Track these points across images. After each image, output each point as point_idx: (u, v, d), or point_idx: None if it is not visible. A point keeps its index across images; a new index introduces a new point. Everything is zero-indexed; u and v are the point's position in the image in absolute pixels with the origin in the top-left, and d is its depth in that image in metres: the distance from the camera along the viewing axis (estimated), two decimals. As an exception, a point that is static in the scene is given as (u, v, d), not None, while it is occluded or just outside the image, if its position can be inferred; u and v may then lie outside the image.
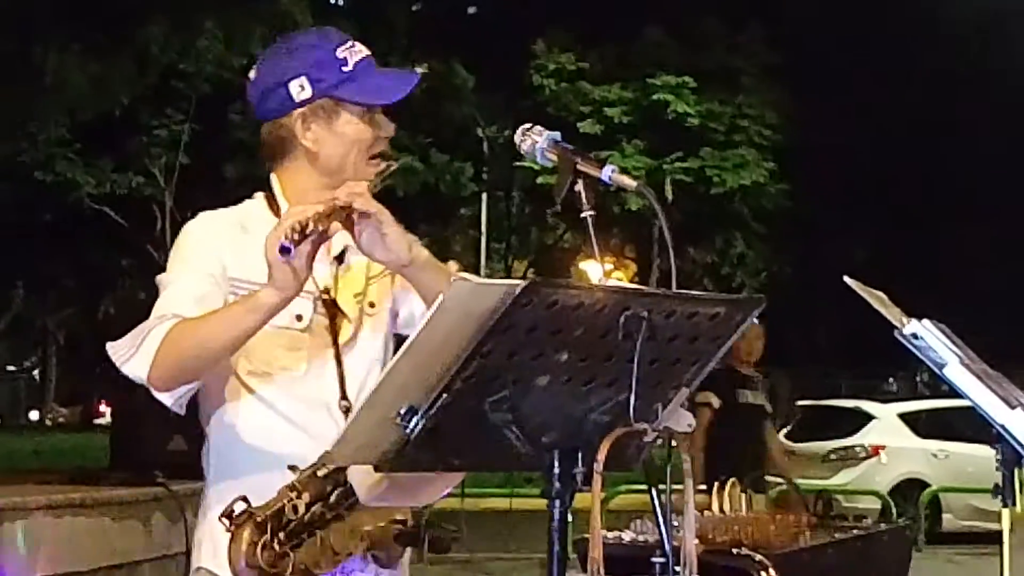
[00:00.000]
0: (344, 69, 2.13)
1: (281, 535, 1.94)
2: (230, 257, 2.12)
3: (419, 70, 2.30)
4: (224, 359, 2.03)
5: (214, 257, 2.11)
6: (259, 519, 1.92)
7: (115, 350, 2.05)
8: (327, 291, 2.13)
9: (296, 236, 1.88)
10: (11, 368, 44.77)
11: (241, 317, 1.96)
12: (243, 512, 1.93)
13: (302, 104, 2.13)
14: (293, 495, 1.94)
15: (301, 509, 1.94)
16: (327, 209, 1.95)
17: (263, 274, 1.96)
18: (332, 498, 1.97)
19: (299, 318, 2.10)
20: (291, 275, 1.91)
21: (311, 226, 1.90)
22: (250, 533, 1.92)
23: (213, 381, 2.11)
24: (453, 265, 2.21)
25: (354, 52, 2.15)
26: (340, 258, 2.17)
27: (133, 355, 2.03)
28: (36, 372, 43.96)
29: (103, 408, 34.62)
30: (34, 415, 41.91)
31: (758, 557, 2.00)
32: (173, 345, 2.00)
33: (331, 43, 2.16)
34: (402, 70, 2.19)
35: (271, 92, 2.15)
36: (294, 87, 2.13)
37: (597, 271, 2.29)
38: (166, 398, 2.05)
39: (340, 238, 2.12)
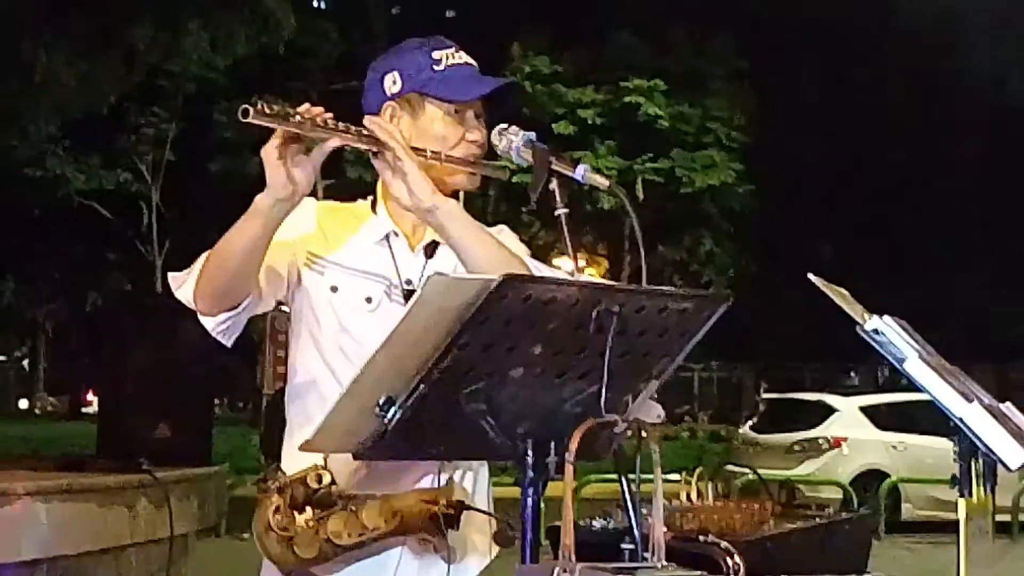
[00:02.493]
0: (435, 68, 2.14)
1: (310, 505, 1.98)
2: (316, 235, 2.16)
3: None
4: (245, 269, 2.03)
5: (297, 229, 2.13)
6: (282, 484, 1.97)
7: (173, 279, 2.14)
8: (408, 282, 2.14)
9: (273, 109, 1.88)
10: (1, 358, 44.50)
11: (245, 223, 1.99)
12: (273, 480, 1.99)
13: (392, 98, 2.15)
14: (320, 467, 1.98)
15: (326, 479, 1.98)
16: (342, 126, 1.96)
17: (342, 256, 2.09)
18: None
19: (368, 300, 2.13)
20: (282, 176, 1.94)
21: (299, 119, 1.89)
22: (273, 499, 1.97)
23: (300, 346, 2.17)
24: (507, 233, 2.21)
25: (452, 56, 2.16)
26: (430, 253, 2.18)
27: (185, 282, 2.11)
28: (26, 362, 43.72)
29: (91, 397, 34.34)
30: (23, 404, 41.64)
31: (724, 544, 2.05)
32: (205, 264, 2.06)
33: (431, 46, 2.17)
34: (496, 77, 2.17)
35: (370, 89, 2.18)
36: (388, 81, 2.16)
37: (570, 267, 2.32)
38: (208, 323, 2.11)
39: (432, 232, 2.15)
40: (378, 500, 2.01)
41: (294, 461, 2.02)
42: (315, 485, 1.98)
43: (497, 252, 2.06)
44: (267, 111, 1.87)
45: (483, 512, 2.12)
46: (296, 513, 1.98)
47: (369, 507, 2.00)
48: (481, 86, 2.15)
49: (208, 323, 2.11)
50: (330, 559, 2.01)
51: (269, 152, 1.93)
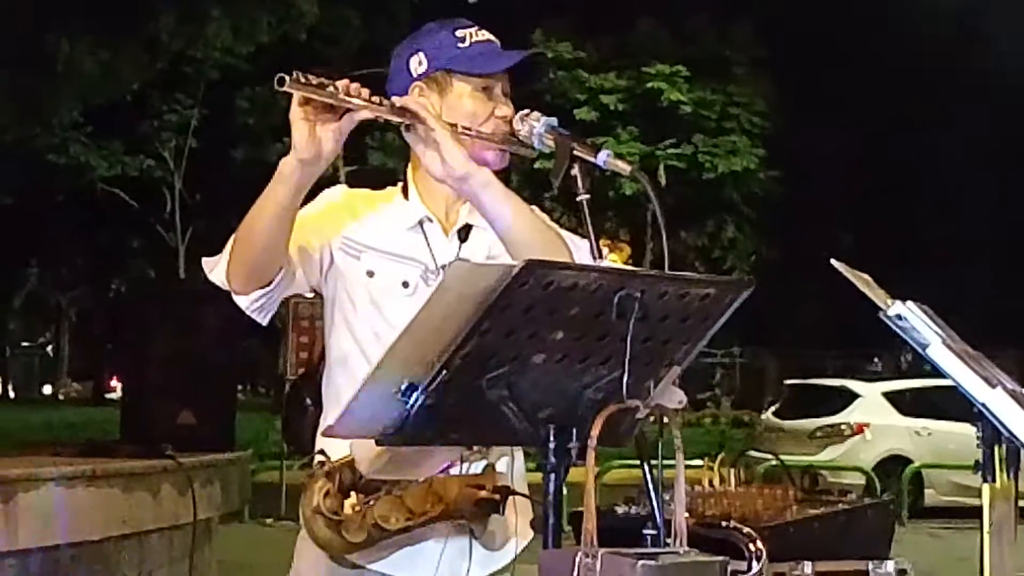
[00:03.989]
0: (460, 46, 2.15)
1: (355, 490, 1.97)
2: (349, 217, 2.16)
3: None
4: (273, 241, 2.03)
5: (328, 210, 2.14)
6: (328, 469, 1.97)
7: (206, 263, 2.14)
8: (444, 267, 2.10)
9: (308, 79, 1.88)
10: (25, 344, 45.01)
11: (271, 189, 1.99)
12: (319, 463, 1.98)
13: (419, 78, 2.16)
14: None
15: None
16: (375, 99, 1.96)
17: (377, 240, 2.08)
18: None
19: (405, 285, 2.13)
20: (307, 135, 1.94)
21: (334, 91, 1.90)
22: (321, 483, 1.97)
23: (334, 330, 2.17)
24: (538, 212, 2.18)
25: (475, 34, 2.17)
26: (464, 236, 2.18)
27: (217, 264, 2.11)
28: (50, 348, 44.13)
29: (114, 383, 34.66)
30: (47, 389, 42.05)
31: (746, 529, 2.05)
32: (235, 241, 2.07)
33: (454, 26, 2.18)
34: (518, 50, 2.18)
35: (396, 73, 2.18)
36: (413, 62, 2.17)
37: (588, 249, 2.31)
38: (243, 302, 2.10)
39: (465, 215, 2.15)
40: (423, 485, 2.00)
41: (329, 446, 2.01)
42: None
43: (532, 221, 2.05)
44: (301, 80, 1.88)
45: (528, 497, 2.11)
46: (344, 497, 1.98)
47: (414, 492, 1.99)
48: (507, 59, 2.16)
49: (242, 302, 2.10)
50: (375, 543, 2.00)
51: (295, 111, 1.94)
